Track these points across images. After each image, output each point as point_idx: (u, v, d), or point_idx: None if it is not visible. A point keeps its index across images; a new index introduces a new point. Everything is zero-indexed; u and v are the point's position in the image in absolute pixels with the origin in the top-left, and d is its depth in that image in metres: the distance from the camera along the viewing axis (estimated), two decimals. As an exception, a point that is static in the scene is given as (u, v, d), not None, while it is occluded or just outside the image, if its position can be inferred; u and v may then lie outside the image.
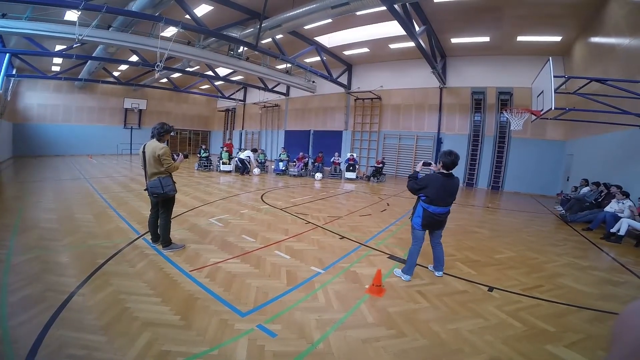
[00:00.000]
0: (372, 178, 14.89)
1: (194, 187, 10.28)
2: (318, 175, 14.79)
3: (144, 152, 4.43)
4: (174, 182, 4.58)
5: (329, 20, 11.32)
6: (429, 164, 4.27)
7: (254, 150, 16.21)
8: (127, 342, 2.55)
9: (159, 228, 4.64)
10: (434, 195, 3.86)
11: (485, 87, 14.97)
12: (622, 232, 6.52)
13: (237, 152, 16.45)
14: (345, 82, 19.14)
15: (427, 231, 4.12)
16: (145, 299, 3.26)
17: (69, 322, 2.76)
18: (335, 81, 17.82)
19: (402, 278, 4.07)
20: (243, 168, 14.77)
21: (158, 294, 3.36)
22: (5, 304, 2.98)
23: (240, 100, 27.32)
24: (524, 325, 3.14)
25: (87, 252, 4.45)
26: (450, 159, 3.82)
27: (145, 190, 4.56)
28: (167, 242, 4.62)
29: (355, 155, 15.88)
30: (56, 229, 5.42)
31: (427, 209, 3.92)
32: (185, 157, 5.16)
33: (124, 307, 3.05)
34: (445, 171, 3.88)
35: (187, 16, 10.73)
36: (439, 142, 16.15)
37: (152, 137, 4.48)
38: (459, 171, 14.96)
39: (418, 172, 4.12)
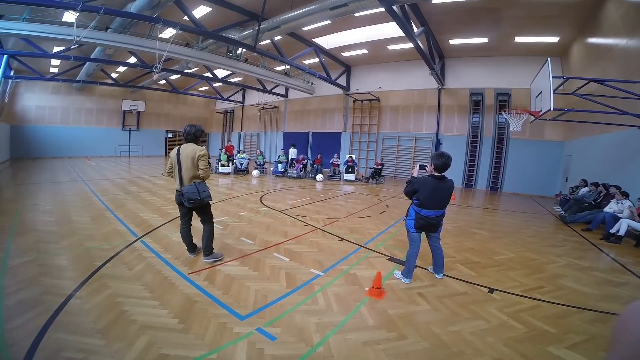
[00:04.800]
0: (371, 179, 14.88)
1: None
2: (320, 177, 14.77)
3: (178, 156, 4.12)
4: (209, 188, 4.29)
5: (328, 22, 11.32)
6: (425, 167, 4.21)
7: (293, 146, 17.16)
8: (124, 345, 2.53)
9: (203, 238, 4.32)
10: (425, 198, 3.82)
11: (483, 88, 14.99)
12: (621, 233, 6.52)
13: (236, 154, 16.43)
14: (344, 84, 19.14)
15: (423, 233, 4.10)
16: (143, 302, 3.23)
17: (66, 325, 2.74)
18: (334, 83, 17.82)
19: (402, 281, 4.05)
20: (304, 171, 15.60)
21: (156, 297, 3.33)
22: (1, 307, 2.95)
23: (238, 101, 27.33)
24: (525, 327, 3.13)
25: (85, 254, 4.42)
26: (441, 161, 3.76)
27: (179, 195, 4.15)
28: (209, 251, 4.35)
29: (354, 156, 15.85)
30: (54, 232, 5.38)
31: (419, 212, 3.88)
32: None
33: (121, 310, 3.02)
34: (437, 174, 3.84)
35: (186, 17, 10.73)
36: (438, 143, 16.15)
37: (188, 140, 4.20)
38: (457, 172, 15.04)
39: (415, 177, 4.04)
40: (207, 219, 4.36)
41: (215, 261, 4.33)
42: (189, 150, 4.10)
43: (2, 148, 17.07)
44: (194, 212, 4.36)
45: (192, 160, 4.07)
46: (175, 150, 4.21)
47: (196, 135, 4.22)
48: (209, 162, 4.27)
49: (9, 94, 17.63)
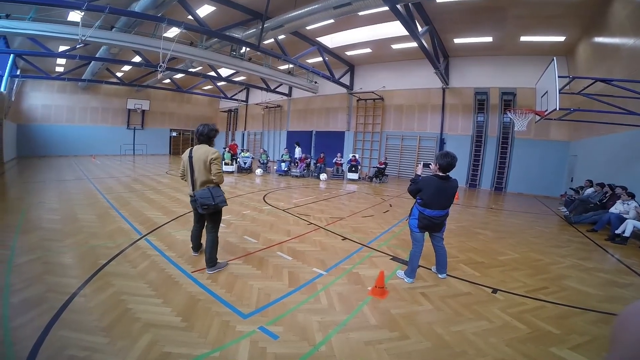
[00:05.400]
0: (374, 179, 14.85)
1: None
2: (323, 176, 14.76)
3: (190, 158, 3.89)
4: (224, 193, 4.03)
5: (331, 21, 11.30)
6: (429, 165, 4.19)
7: (298, 144, 17.47)
8: (128, 343, 2.55)
9: (207, 247, 4.01)
10: (429, 198, 3.80)
11: (488, 87, 14.90)
12: (627, 234, 6.46)
13: (240, 153, 16.48)
14: (347, 83, 19.10)
15: (427, 233, 4.09)
16: (147, 300, 3.25)
17: (70, 323, 2.76)
18: (337, 82, 17.79)
19: (405, 280, 4.04)
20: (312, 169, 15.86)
21: (160, 295, 3.35)
22: (7, 305, 2.98)
23: (242, 100, 27.35)
24: (529, 328, 3.11)
25: (89, 252, 4.45)
26: (446, 161, 3.73)
27: (192, 200, 3.98)
28: (213, 262, 4.03)
29: (357, 155, 15.84)
30: (59, 230, 5.43)
31: (422, 212, 3.87)
32: None
33: (125, 309, 3.05)
34: (441, 173, 3.82)
35: (190, 17, 10.76)
36: (442, 142, 16.09)
37: (200, 141, 3.98)
38: (461, 172, 14.97)
39: (419, 175, 4.04)
40: (215, 226, 4.06)
41: (220, 271, 4.05)
42: (201, 152, 3.87)
43: (9, 146, 17.22)
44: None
45: (205, 163, 3.84)
46: (187, 152, 3.98)
47: (209, 136, 3.98)
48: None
49: (15, 93, 17.79)
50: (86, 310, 2.99)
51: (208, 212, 3.94)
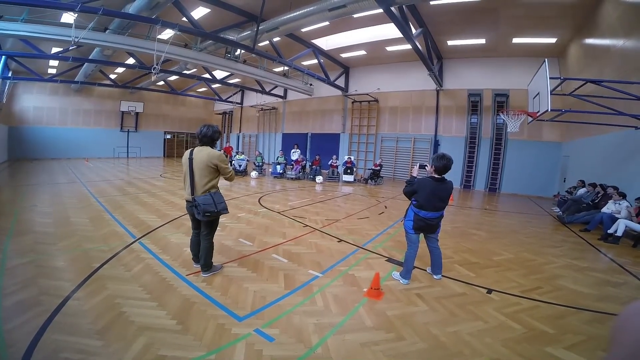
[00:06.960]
0: (369, 181, 14.89)
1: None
2: (319, 179, 14.77)
3: (190, 160, 3.69)
4: (225, 199, 3.89)
5: (327, 23, 11.32)
6: (425, 167, 4.20)
7: (296, 146, 16.81)
8: (123, 346, 2.52)
9: (202, 252, 3.91)
10: (424, 200, 3.82)
11: (481, 89, 15.02)
12: (619, 233, 6.54)
13: (235, 155, 16.40)
14: (342, 85, 19.15)
15: (422, 234, 4.10)
16: (141, 303, 3.22)
17: (64, 326, 2.73)
18: (332, 84, 17.82)
19: (401, 282, 4.05)
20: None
21: (154, 298, 3.32)
22: (0, 308, 2.95)
23: (237, 103, 27.28)
24: (524, 328, 3.13)
25: (83, 256, 4.41)
26: (442, 163, 3.75)
27: (191, 206, 3.79)
28: (208, 267, 3.97)
29: (352, 157, 15.85)
30: (52, 233, 5.37)
31: (417, 213, 3.89)
32: None
33: (119, 312, 3.02)
34: (437, 175, 3.84)
35: (184, 19, 10.73)
36: (436, 144, 16.17)
37: (203, 143, 3.78)
38: (456, 173, 15.02)
39: (415, 176, 4.05)
40: (211, 232, 3.94)
41: (215, 274, 4.01)
42: (202, 155, 3.67)
43: (0, 149, 17.04)
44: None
45: (207, 167, 3.65)
46: (187, 153, 3.75)
47: (213, 138, 3.79)
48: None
49: (7, 95, 17.59)
50: (80, 313, 2.96)
51: (209, 219, 3.78)
